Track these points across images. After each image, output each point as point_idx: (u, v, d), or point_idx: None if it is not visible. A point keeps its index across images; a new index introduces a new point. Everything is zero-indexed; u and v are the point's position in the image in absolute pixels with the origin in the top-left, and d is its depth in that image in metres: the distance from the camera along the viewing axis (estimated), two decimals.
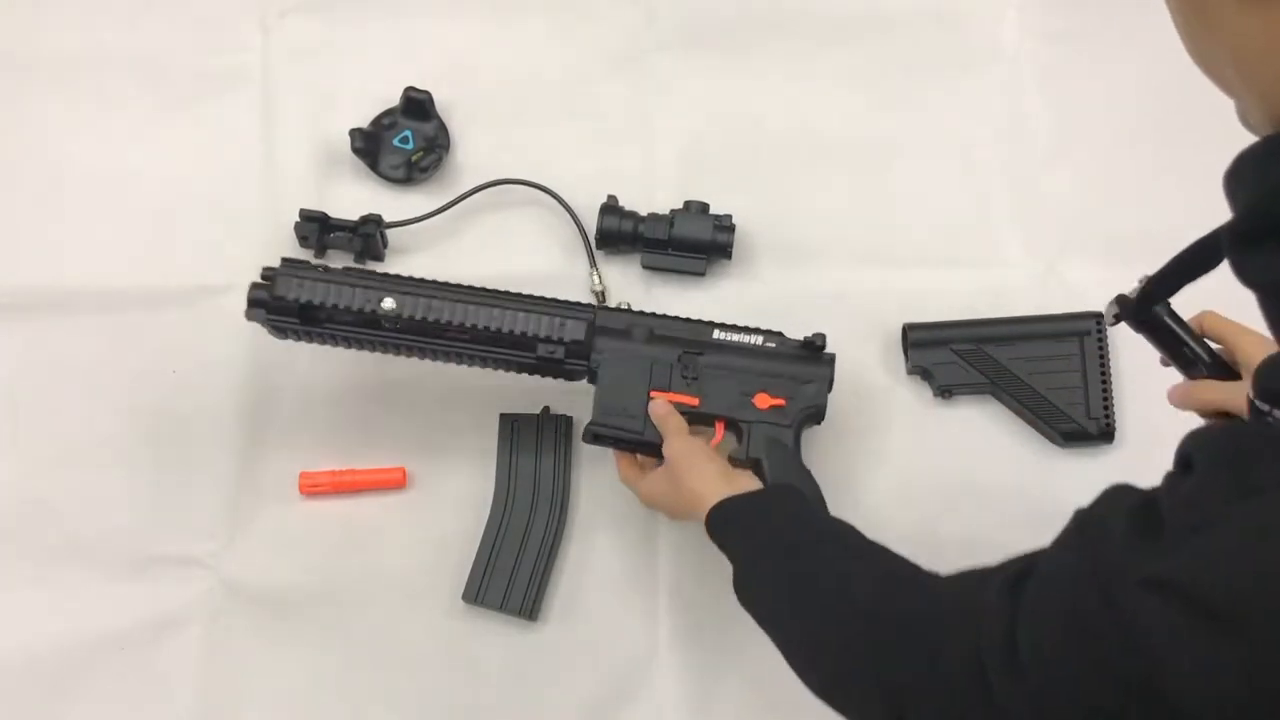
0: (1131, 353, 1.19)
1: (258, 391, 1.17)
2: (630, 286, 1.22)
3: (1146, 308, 0.89)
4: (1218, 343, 0.93)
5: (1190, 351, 0.92)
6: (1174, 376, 1.20)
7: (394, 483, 1.14)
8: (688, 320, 1.06)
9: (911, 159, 1.28)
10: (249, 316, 1.01)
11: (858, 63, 1.30)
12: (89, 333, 1.18)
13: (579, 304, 1.04)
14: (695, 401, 1.02)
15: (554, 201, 1.22)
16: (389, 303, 1.00)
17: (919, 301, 1.20)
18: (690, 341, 1.04)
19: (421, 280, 1.03)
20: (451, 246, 1.22)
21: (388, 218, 1.20)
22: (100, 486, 1.14)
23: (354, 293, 1.00)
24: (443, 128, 1.24)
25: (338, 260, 1.20)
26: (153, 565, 1.13)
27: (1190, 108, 1.27)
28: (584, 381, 1.05)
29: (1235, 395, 0.87)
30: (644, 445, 1.02)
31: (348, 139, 1.21)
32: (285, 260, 1.03)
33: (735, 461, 1.01)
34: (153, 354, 1.18)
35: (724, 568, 1.15)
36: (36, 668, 1.09)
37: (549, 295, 1.05)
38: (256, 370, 1.18)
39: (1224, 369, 0.92)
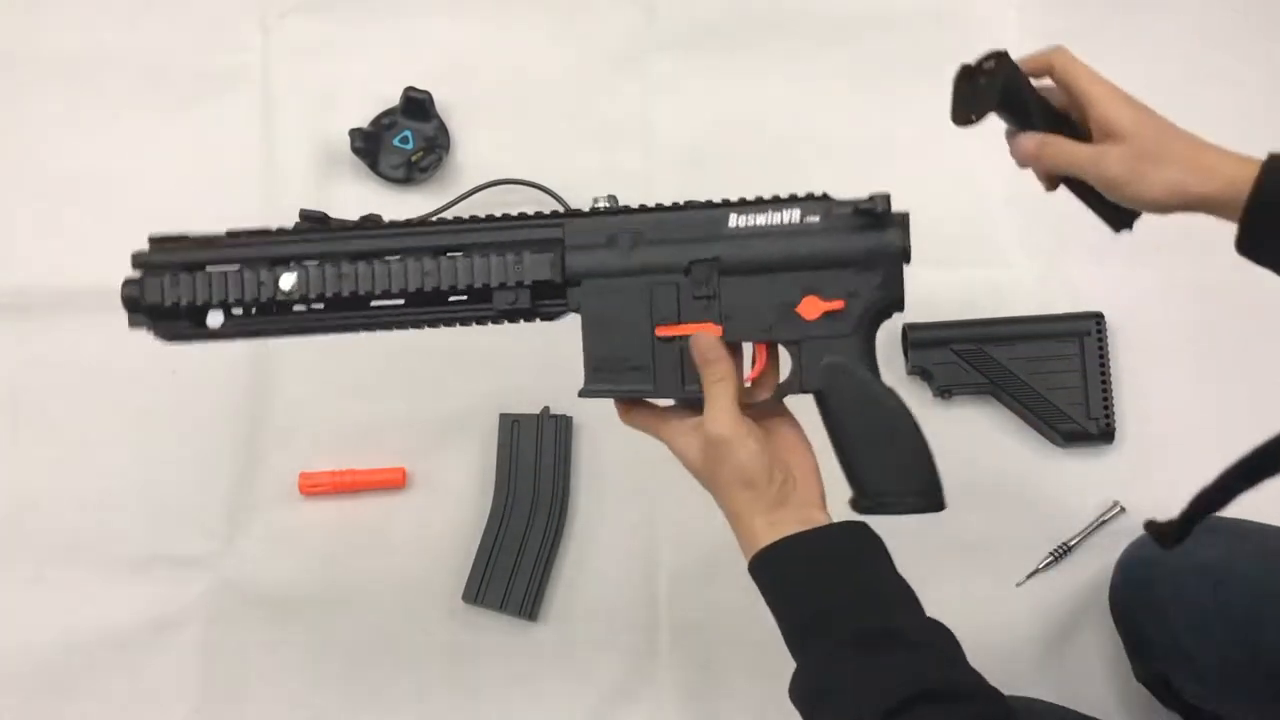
0: (1131, 353, 1.19)
1: (258, 391, 1.17)
2: None
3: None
4: (1066, 90, 0.81)
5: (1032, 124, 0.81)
6: (1173, 378, 1.21)
7: (394, 483, 1.14)
8: (691, 207, 0.79)
9: (911, 159, 1.28)
10: (131, 324, 0.81)
11: (858, 63, 1.30)
12: (89, 333, 1.18)
13: (541, 217, 0.80)
14: (717, 331, 0.77)
15: (554, 201, 1.22)
16: (288, 281, 0.79)
17: (919, 301, 1.20)
18: (699, 240, 0.78)
19: (333, 228, 0.81)
20: None
21: (387, 218, 1.19)
22: (100, 486, 1.14)
23: (242, 279, 0.79)
24: (443, 128, 1.24)
25: None
26: (153, 565, 1.13)
27: (1189, 108, 1.28)
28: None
29: (1094, 162, 0.78)
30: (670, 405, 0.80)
31: (348, 139, 1.21)
32: (153, 241, 0.81)
33: (786, 392, 0.79)
34: (153, 354, 1.18)
35: (723, 566, 1.15)
36: (36, 668, 1.10)
37: (505, 214, 0.81)
38: (256, 370, 1.18)
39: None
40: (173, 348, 1.18)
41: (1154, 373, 1.19)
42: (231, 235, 0.80)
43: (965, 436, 1.17)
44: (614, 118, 1.28)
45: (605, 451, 1.16)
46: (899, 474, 0.77)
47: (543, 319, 0.81)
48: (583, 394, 0.80)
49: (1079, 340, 1.17)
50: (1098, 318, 1.17)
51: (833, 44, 1.30)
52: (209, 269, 0.79)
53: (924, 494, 0.77)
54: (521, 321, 0.81)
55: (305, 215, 1.17)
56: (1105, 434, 1.15)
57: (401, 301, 0.80)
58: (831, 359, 0.77)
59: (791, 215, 0.77)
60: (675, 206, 0.79)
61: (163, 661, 1.10)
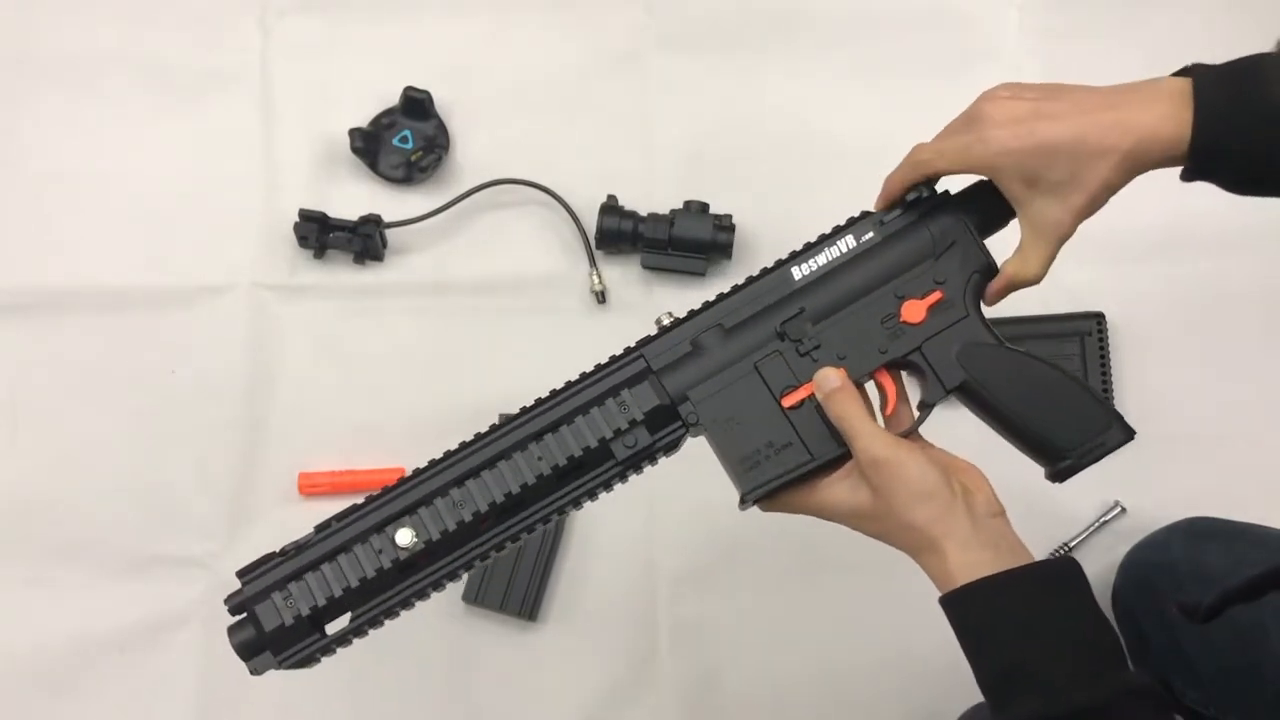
0: (1132, 353, 1.19)
1: (257, 392, 1.17)
2: (630, 286, 1.22)
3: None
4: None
5: None
6: (1173, 378, 1.20)
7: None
8: (750, 281, 0.77)
9: None
10: (257, 670, 0.74)
11: (858, 62, 1.29)
12: (89, 333, 1.19)
13: (619, 357, 0.77)
14: (841, 371, 0.74)
15: (554, 201, 1.22)
16: (405, 536, 0.73)
17: None
18: (776, 305, 0.76)
19: (419, 470, 0.75)
20: (451, 246, 1.22)
21: (387, 218, 1.20)
22: (100, 486, 1.14)
23: (357, 557, 0.73)
24: (442, 127, 1.24)
25: (337, 261, 1.21)
26: (153, 565, 1.13)
27: None
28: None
29: (1027, 266, 0.73)
30: (820, 469, 0.74)
31: (347, 139, 1.21)
32: (242, 574, 0.74)
33: (930, 404, 0.77)
34: (152, 354, 1.19)
35: (723, 566, 1.15)
36: (36, 668, 1.10)
37: (581, 373, 0.76)
38: (256, 371, 1.18)
39: None
40: (171, 349, 1.19)
41: (1154, 373, 1.18)
42: (320, 529, 0.74)
43: (965, 437, 1.17)
44: (614, 117, 1.28)
45: None
46: (1081, 421, 0.75)
47: (665, 453, 0.76)
48: (747, 499, 0.74)
49: (1079, 340, 1.17)
50: (1098, 318, 1.17)
51: (833, 44, 1.30)
52: (318, 570, 0.73)
53: (1113, 429, 0.74)
54: (646, 467, 0.76)
55: (305, 215, 1.18)
56: None
57: (525, 502, 0.75)
58: (961, 345, 0.75)
59: (847, 242, 0.77)
60: (735, 289, 0.77)
61: (163, 661, 1.10)
